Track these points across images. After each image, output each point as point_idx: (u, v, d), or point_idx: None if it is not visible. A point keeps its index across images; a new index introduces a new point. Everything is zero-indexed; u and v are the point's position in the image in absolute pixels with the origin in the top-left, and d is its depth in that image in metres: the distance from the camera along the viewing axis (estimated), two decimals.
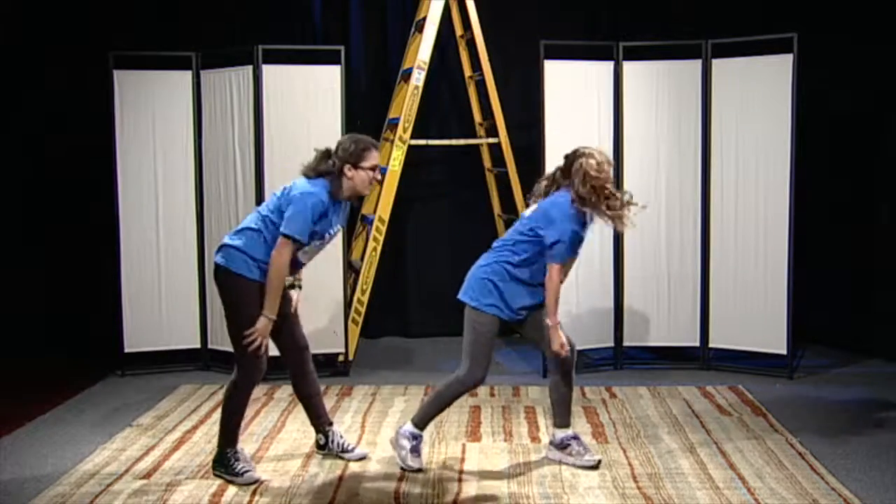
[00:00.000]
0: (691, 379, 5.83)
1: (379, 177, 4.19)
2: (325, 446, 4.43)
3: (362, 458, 4.39)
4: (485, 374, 4.17)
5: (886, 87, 6.21)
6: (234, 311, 4.06)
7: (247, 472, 4.13)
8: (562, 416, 4.35)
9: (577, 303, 5.99)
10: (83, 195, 6.47)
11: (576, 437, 4.35)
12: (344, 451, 4.41)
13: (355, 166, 4.04)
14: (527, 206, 4.39)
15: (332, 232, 4.14)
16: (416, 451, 4.26)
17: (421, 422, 4.28)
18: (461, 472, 4.24)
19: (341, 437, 4.45)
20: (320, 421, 4.43)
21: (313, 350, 6.18)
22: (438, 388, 4.27)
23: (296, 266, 4.13)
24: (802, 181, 5.73)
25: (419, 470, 4.22)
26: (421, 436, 4.30)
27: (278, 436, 4.77)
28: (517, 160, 6.63)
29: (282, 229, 3.96)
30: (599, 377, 5.91)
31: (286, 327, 4.25)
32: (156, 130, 6.02)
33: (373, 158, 4.07)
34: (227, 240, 4.11)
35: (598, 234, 6.02)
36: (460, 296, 4.20)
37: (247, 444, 4.56)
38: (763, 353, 5.92)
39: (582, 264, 5.98)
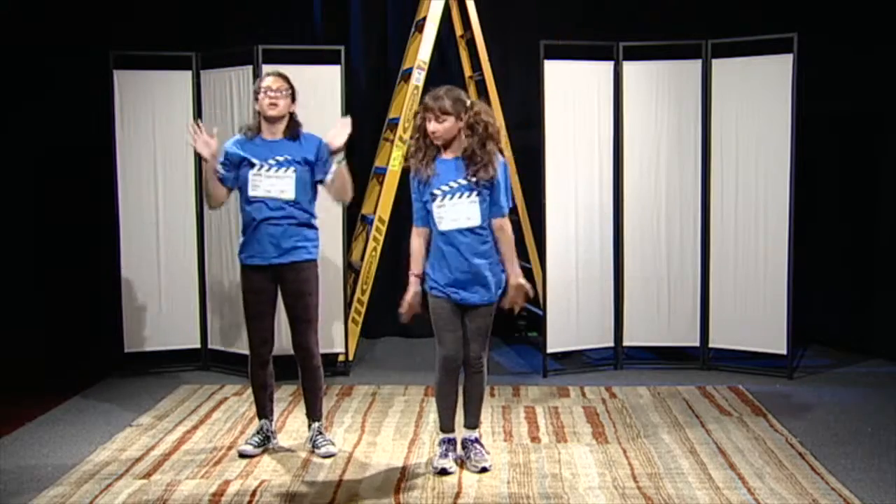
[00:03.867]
0: (691, 379, 5.83)
1: (272, 96, 4.31)
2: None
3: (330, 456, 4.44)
4: (447, 351, 4.14)
5: (886, 87, 6.21)
6: None
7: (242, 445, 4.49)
8: (473, 417, 4.32)
9: (577, 303, 5.99)
10: (83, 195, 6.47)
11: (477, 441, 4.31)
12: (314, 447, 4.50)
13: (255, 96, 4.36)
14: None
15: (266, 163, 4.29)
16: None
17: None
18: (461, 472, 4.24)
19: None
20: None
21: None
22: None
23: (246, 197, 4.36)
24: (802, 181, 5.73)
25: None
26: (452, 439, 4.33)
27: (278, 435, 4.77)
28: (517, 160, 6.63)
29: None
30: (599, 377, 5.91)
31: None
32: (156, 130, 6.02)
33: (265, 81, 4.34)
34: None
35: (598, 233, 6.04)
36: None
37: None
38: (763, 353, 5.92)
39: (582, 264, 6.01)
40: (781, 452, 4.45)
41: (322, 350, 5.97)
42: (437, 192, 4.08)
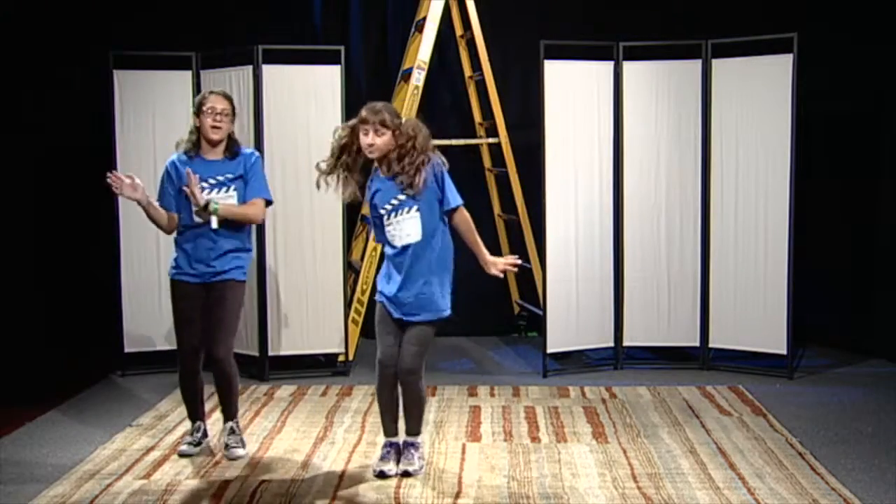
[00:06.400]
0: (691, 379, 5.83)
1: (217, 120, 4.31)
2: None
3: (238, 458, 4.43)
4: (381, 356, 4.16)
5: (886, 87, 6.21)
6: None
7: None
8: (412, 423, 4.29)
9: (577, 303, 5.99)
10: (83, 195, 6.46)
11: (413, 445, 4.28)
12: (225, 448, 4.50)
13: (197, 115, 4.35)
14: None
15: (207, 184, 4.30)
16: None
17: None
18: (461, 472, 4.24)
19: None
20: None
21: (314, 350, 6.21)
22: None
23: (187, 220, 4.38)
24: (802, 181, 5.73)
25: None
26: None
27: (278, 436, 4.77)
28: (517, 160, 6.63)
29: None
30: (599, 377, 5.91)
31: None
32: (156, 130, 6.02)
33: (210, 101, 4.32)
34: None
35: (598, 233, 6.04)
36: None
37: (247, 444, 4.57)
38: (763, 353, 5.92)
39: (582, 264, 6.01)
40: (781, 452, 4.44)
41: (322, 350, 6.03)
42: (382, 210, 4.10)
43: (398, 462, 4.23)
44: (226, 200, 4.33)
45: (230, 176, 4.36)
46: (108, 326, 6.05)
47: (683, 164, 6.05)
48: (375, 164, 4.14)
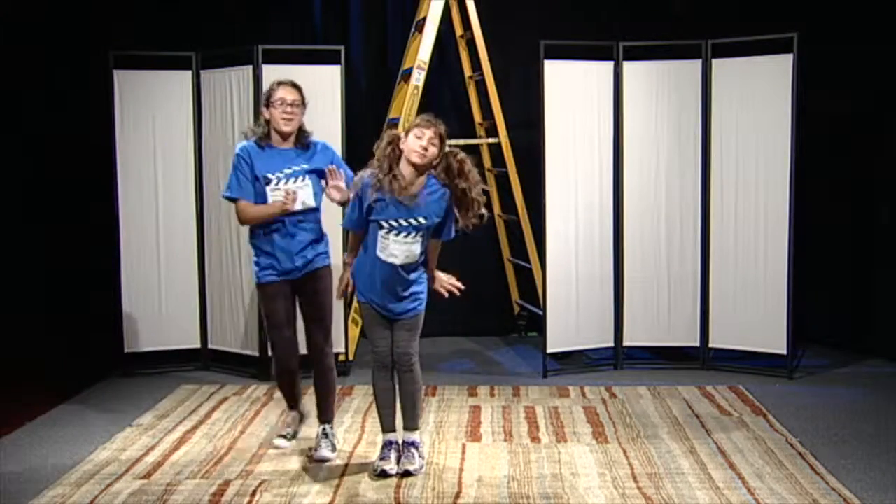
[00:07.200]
0: (691, 379, 5.83)
1: (288, 111, 4.28)
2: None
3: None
4: (377, 347, 4.21)
5: (886, 87, 6.21)
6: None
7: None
8: (410, 418, 4.30)
9: (577, 303, 5.99)
10: (83, 195, 6.47)
11: (414, 444, 4.29)
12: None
13: (268, 106, 4.31)
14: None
15: (282, 174, 4.28)
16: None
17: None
18: (461, 472, 4.24)
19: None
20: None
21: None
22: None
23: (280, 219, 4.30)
24: (802, 181, 5.73)
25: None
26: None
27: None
28: (517, 160, 6.63)
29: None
30: (599, 377, 5.91)
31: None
32: (156, 130, 6.02)
33: (280, 92, 4.28)
34: None
35: (598, 233, 6.04)
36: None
37: (247, 444, 4.57)
38: (763, 353, 5.92)
39: (582, 264, 6.01)
40: (781, 452, 4.45)
41: None
42: (384, 223, 4.05)
43: (399, 461, 4.23)
44: (302, 189, 4.29)
45: (304, 167, 4.33)
46: (108, 326, 6.05)
47: (683, 164, 6.05)
48: (379, 173, 4.03)
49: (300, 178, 4.31)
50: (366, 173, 4.07)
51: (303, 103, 4.34)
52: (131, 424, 4.96)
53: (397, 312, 4.16)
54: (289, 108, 4.27)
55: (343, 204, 4.32)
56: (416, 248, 4.08)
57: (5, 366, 5.78)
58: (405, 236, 4.04)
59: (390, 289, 4.11)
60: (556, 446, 4.58)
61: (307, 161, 4.35)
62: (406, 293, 4.14)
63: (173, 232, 6.09)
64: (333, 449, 4.46)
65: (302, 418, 4.71)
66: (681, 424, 4.90)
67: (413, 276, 4.14)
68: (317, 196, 4.37)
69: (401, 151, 4.02)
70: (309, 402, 4.68)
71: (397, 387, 4.27)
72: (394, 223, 4.04)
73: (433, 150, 4.01)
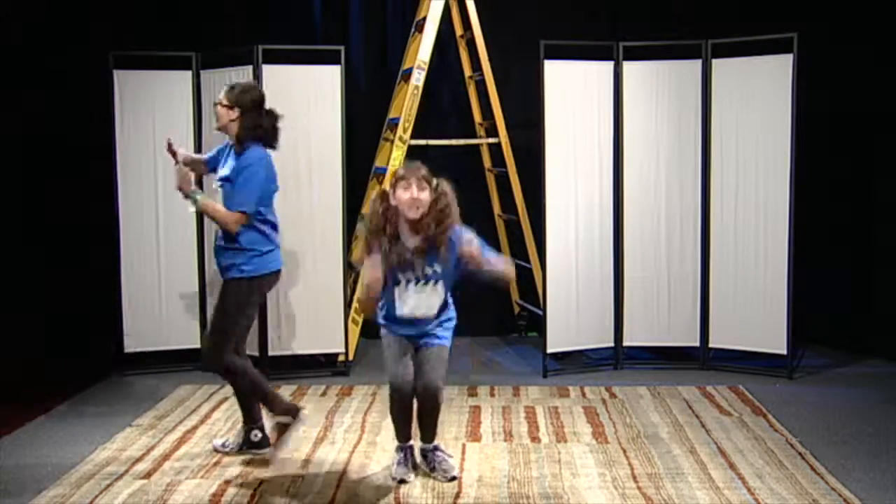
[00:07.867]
0: (691, 379, 5.82)
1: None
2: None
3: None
4: (395, 380, 4.05)
5: (886, 87, 6.21)
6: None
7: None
8: (429, 433, 4.22)
9: (577, 303, 5.99)
10: (83, 195, 6.46)
11: (437, 448, 4.24)
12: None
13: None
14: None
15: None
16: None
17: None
18: (461, 472, 4.24)
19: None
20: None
21: (314, 350, 6.21)
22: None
23: None
24: (802, 181, 5.73)
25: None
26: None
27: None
28: (517, 160, 6.63)
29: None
30: (599, 377, 5.91)
31: None
32: (156, 130, 6.02)
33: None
34: None
35: (598, 233, 6.04)
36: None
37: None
38: (763, 353, 5.92)
39: (582, 264, 6.01)
40: (781, 452, 4.45)
41: (322, 350, 6.03)
42: (400, 277, 4.00)
43: (415, 467, 4.20)
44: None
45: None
46: (108, 326, 6.05)
47: (683, 164, 6.05)
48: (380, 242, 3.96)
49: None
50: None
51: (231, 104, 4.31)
52: (131, 424, 4.96)
53: (424, 343, 4.06)
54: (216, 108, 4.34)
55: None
56: (435, 301, 4.02)
57: (5, 366, 5.78)
58: (423, 285, 4.00)
59: (415, 331, 4.07)
60: (556, 446, 4.58)
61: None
62: (430, 332, 4.08)
63: (173, 232, 6.09)
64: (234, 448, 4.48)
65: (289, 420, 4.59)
66: (681, 424, 4.90)
67: (434, 321, 4.07)
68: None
69: (395, 206, 3.95)
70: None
71: (416, 406, 4.14)
72: (409, 275, 3.99)
73: (425, 196, 3.92)
